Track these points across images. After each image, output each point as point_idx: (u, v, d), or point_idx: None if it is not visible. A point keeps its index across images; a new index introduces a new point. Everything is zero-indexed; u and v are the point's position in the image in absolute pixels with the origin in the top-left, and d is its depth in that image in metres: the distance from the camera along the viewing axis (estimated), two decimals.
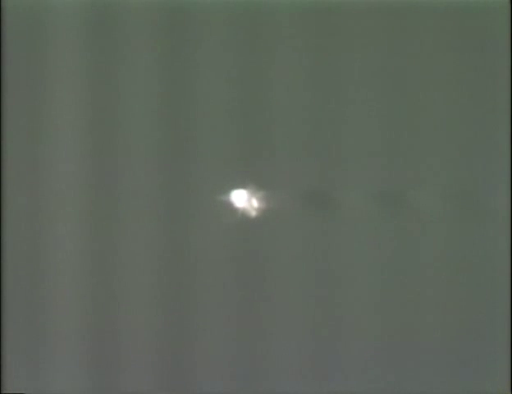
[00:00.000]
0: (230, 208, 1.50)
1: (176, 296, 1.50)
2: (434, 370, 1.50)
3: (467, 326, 1.50)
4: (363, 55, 1.50)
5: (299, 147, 1.50)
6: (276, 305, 1.49)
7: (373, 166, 1.50)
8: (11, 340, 1.51)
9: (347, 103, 1.50)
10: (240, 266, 1.50)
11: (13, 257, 1.51)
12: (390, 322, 1.50)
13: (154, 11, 1.50)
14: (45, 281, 1.51)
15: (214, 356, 1.50)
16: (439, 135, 1.50)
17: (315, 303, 1.50)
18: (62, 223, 1.51)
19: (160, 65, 1.51)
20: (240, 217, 1.50)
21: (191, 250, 1.50)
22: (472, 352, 1.50)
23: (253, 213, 1.50)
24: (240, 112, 1.50)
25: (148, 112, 1.50)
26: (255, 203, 1.50)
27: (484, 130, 1.51)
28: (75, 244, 1.51)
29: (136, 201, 1.50)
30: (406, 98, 1.50)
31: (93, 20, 1.51)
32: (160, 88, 1.51)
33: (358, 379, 1.50)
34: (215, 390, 1.50)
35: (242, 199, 1.50)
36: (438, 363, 1.50)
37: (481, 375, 1.50)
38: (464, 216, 1.50)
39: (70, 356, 1.51)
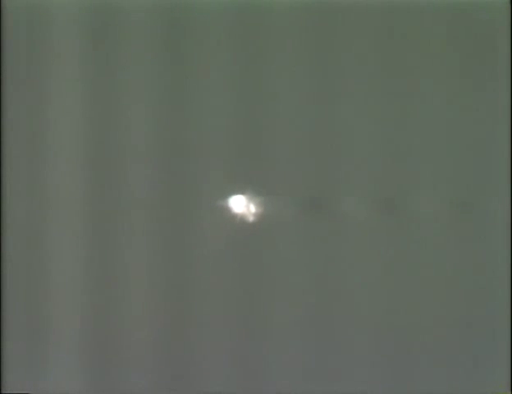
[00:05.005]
0: (229, 214, 1.50)
1: (175, 297, 1.50)
2: (434, 370, 1.50)
3: (467, 326, 1.50)
4: (363, 56, 1.50)
5: (299, 154, 1.50)
6: (275, 308, 1.49)
7: (372, 173, 1.50)
8: (11, 340, 1.51)
9: (347, 109, 1.50)
10: (238, 270, 1.50)
11: (13, 257, 1.51)
12: (390, 323, 1.50)
13: (154, 11, 1.50)
14: (45, 282, 1.51)
15: (214, 356, 1.50)
16: (439, 138, 1.50)
17: (314, 307, 1.50)
18: (63, 224, 1.51)
19: (160, 66, 1.51)
20: (239, 223, 1.50)
21: (190, 253, 1.50)
22: (472, 352, 1.50)
23: (253, 220, 1.50)
24: (240, 118, 1.50)
25: (149, 114, 1.51)
26: (254, 209, 1.50)
27: (484, 131, 1.51)
28: (75, 245, 1.51)
29: (136, 204, 1.50)
30: (406, 101, 1.50)
31: (93, 20, 1.51)
32: (161, 89, 1.51)
33: (359, 379, 1.50)
34: (215, 390, 1.50)
35: (242, 206, 1.50)
36: (438, 363, 1.50)
37: (481, 375, 1.51)
38: (462, 221, 1.50)
39: (70, 356, 1.51)
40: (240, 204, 1.50)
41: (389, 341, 1.50)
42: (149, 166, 1.50)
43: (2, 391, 1.52)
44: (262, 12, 1.50)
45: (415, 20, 1.50)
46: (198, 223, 1.49)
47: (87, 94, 1.51)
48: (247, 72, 1.50)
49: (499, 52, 1.51)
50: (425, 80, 1.50)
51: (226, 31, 1.51)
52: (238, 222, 1.50)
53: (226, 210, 1.50)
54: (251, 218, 1.50)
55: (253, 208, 1.50)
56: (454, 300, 1.50)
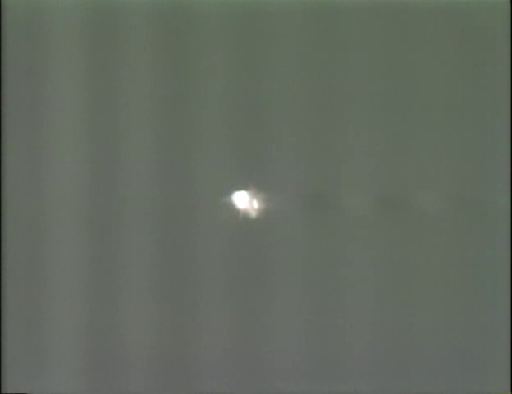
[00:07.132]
0: (231, 210, 1.50)
1: (176, 296, 1.50)
2: (434, 370, 1.50)
3: (467, 326, 1.50)
4: (363, 56, 1.50)
5: (300, 150, 1.50)
6: (276, 306, 1.49)
7: (374, 168, 1.50)
8: (11, 340, 1.51)
9: (348, 106, 1.50)
10: (240, 267, 1.50)
11: (13, 257, 1.51)
12: (391, 322, 1.50)
13: (154, 10, 1.50)
14: (45, 281, 1.51)
15: (214, 356, 1.50)
16: (439, 136, 1.51)
17: (315, 304, 1.50)
18: (63, 223, 1.51)
19: (160, 65, 1.51)
20: (241, 219, 1.50)
21: (192, 251, 1.50)
22: (472, 352, 1.50)
23: (254, 216, 1.50)
24: (240, 114, 1.50)
25: (149, 112, 1.51)
26: (256, 205, 1.50)
27: (484, 130, 1.51)
28: (75, 244, 1.51)
29: (137, 203, 1.50)
30: (406, 99, 1.50)
31: (93, 20, 1.51)
32: (160, 88, 1.51)
33: (359, 379, 1.50)
34: (215, 390, 1.50)
35: (243, 202, 1.50)
36: (438, 363, 1.50)
37: (481, 375, 1.50)
38: (464, 218, 1.50)
39: (70, 356, 1.51)
40: (243, 202, 1.50)
41: (389, 340, 1.50)
42: (150, 163, 1.50)
43: (2, 391, 1.52)
44: (262, 12, 1.50)
45: (415, 20, 1.50)
46: (201, 221, 1.49)
47: (87, 94, 1.51)
48: (250, 69, 1.50)
49: (499, 52, 1.51)
50: (425, 81, 1.50)
51: (227, 30, 1.51)
52: (240, 219, 1.50)
53: (228, 207, 1.50)
54: (254, 215, 1.50)
55: (256, 206, 1.50)
56: (455, 300, 1.50)
